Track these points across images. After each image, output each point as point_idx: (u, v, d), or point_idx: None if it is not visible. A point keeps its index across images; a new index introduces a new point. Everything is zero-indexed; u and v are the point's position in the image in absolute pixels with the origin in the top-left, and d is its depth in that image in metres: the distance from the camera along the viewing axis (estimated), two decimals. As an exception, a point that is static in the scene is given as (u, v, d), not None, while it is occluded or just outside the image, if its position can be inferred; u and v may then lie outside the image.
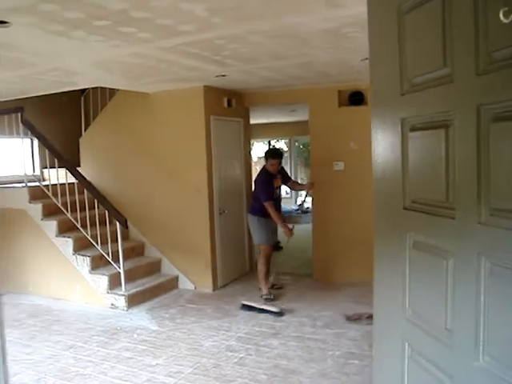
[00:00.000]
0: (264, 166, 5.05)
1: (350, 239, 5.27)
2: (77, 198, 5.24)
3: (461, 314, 1.17)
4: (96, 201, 5.21)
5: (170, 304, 4.94)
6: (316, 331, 4.03)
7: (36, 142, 5.74)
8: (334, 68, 4.40)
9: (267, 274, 5.02)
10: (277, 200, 5.03)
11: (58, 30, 2.76)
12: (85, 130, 6.27)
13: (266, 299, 4.84)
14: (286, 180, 5.25)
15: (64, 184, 5.22)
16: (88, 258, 5.00)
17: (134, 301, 4.85)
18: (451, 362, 1.21)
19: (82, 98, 6.41)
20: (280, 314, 4.43)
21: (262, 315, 4.44)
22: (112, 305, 4.84)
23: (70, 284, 5.16)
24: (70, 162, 5.33)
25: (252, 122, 6.53)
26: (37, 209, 5.29)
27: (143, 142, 5.57)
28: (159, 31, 2.93)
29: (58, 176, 5.28)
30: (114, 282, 4.90)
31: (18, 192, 5.41)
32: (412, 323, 1.41)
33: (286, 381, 3.18)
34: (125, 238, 5.34)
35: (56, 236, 5.20)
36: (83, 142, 6.18)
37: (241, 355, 3.61)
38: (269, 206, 4.77)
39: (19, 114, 5.30)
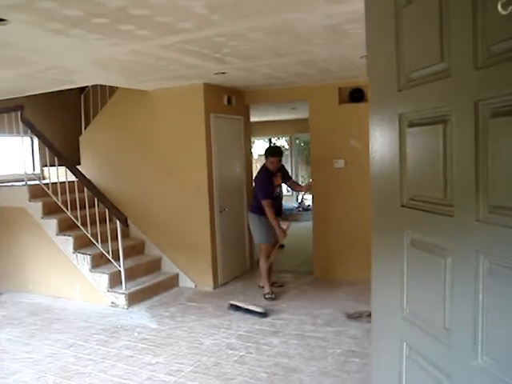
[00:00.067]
0: (264, 164, 5.03)
1: (351, 237, 5.25)
2: (77, 197, 5.23)
3: (459, 312, 1.15)
4: (96, 199, 5.20)
5: (171, 302, 4.93)
6: (316, 329, 4.01)
7: (36, 140, 5.75)
8: (335, 64, 4.37)
9: (270, 271, 5.01)
10: (277, 198, 5.01)
11: (56, 28, 2.75)
12: (85, 129, 6.26)
13: (267, 298, 4.83)
14: (286, 179, 5.22)
15: (64, 182, 5.22)
16: (88, 257, 5.00)
17: (134, 299, 4.84)
18: (449, 362, 1.20)
19: (82, 97, 6.40)
20: (264, 314, 4.34)
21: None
22: (112, 303, 4.84)
23: (71, 282, 5.16)
24: (70, 161, 5.33)
25: (252, 119, 6.52)
26: (37, 207, 5.29)
27: (143, 140, 5.56)
28: (158, 29, 2.91)
29: (58, 174, 5.27)
30: (115, 281, 4.90)
31: (18, 190, 5.40)
32: (410, 322, 1.39)
33: (286, 379, 3.17)
34: (125, 236, 5.34)
35: (56, 234, 5.20)
36: (83, 140, 6.17)
37: (241, 353, 3.60)
38: (266, 205, 4.73)
39: (19, 113, 5.30)
